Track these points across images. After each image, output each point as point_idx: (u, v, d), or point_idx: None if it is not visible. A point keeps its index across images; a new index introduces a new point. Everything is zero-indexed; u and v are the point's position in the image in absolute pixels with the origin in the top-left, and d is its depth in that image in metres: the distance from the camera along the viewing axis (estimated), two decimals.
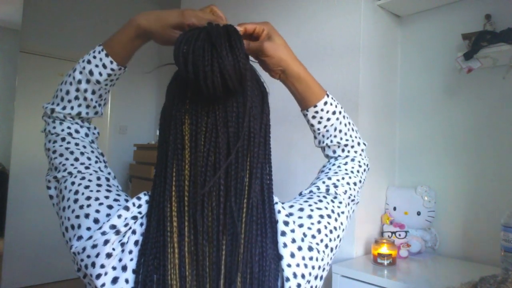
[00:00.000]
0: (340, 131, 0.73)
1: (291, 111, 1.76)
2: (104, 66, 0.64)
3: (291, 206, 0.62)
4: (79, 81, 0.64)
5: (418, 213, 1.62)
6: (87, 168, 0.62)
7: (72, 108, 0.66)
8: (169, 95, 0.59)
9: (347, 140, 0.74)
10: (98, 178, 0.62)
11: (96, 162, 0.65)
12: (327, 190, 0.66)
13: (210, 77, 0.50)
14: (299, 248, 0.55)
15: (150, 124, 3.94)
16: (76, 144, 0.65)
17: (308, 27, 1.81)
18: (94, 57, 0.64)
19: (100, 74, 0.64)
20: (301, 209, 0.61)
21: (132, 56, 0.67)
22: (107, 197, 0.59)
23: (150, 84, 3.89)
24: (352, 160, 0.74)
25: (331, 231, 0.60)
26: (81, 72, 0.64)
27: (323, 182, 0.68)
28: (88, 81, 0.65)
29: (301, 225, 0.59)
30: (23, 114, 3.21)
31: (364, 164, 0.76)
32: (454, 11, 1.64)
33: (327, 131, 0.73)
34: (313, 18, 1.79)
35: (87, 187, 0.59)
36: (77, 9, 3.42)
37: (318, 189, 0.67)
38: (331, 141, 0.74)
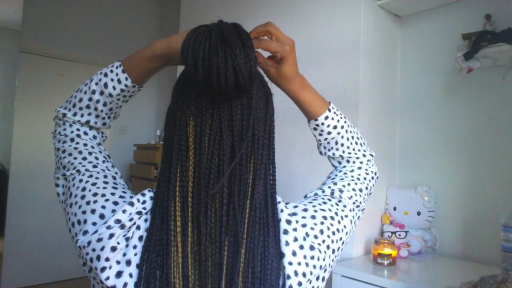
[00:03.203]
0: (342, 144, 0.74)
1: (291, 112, 1.75)
2: (119, 81, 0.66)
3: (295, 207, 0.63)
4: (93, 92, 0.66)
5: (418, 213, 1.62)
6: (94, 166, 0.64)
7: (82, 115, 0.68)
8: (175, 96, 0.59)
9: (349, 153, 0.75)
10: (105, 176, 0.63)
11: (103, 161, 0.66)
12: (332, 193, 0.67)
13: (224, 74, 0.50)
14: (301, 247, 0.56)
15: (150, 124, 3.94)
16: (85, 145, 0.67)
17: (308, 27, 1.81)
18: (111, 71, 0.66)
19: (114, 88, 0.66)
20: (305, 210, 0.62)
21: (148, 77, 0.68)
22: (113, 194, 0.60)
23: (150, 84, 3.89)
24: (359, 168, 0.75)
25: (333, 233, 0.61)
26: (97, 84, 0.66)
27: (329, 187, 0.69)
28: (101, 93, 0.66)
29: (304, 225, 0.59)
30: (23, 114, 3.21)
31: (372, 172, 0.76)
32: (454, 11, 1.64)
33: (328, 143, 0.75)
34: (313, 18, 1.79)
35: (94, 184, 0.61)
36: (77, 9, 3.42)
37: (323, 192, 0.68)
38: (333, 154, 0.76)
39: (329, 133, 0.73)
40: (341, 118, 0.73)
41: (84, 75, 3.51)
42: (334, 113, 0.72)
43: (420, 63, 1.75)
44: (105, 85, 0.66)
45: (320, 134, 0.74)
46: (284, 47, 0.60)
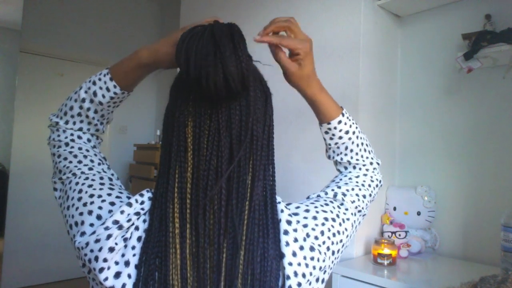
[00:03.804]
0: (352, 150, 0.74)
1: (292, 111, 1.75)
2: (108, 89, 0.66)
3: (297, 207, 0.63)
4: (83, 100, 0.67)
5: (418, 213, 1.62)
6: (90, 169, 0.64)
7: (74, 123, 0.68)
8: (172, 96, 0.59)
9: (357, 160, 0.75)
10: (101, 178, 0.63)
11: (99, 164, 0.66)
12: (335, 196, 0.67)
13: (213, 78, 0.49)
14: (301, 248, 0.55)
15: (150, 124, 3.93)
16: (79, 148, 0.67)
17: (308, 27, 1.81)
18: (100, 79, 0.66)
19: (103, 96, 0.66)
20: (307, 210, 0.62)
21: (137, 83, 0.68)
22: (109, 195, 0.60)
23: (150, 84, 3.89)
24: (365, 174, 0.75)
25: (334, 235, 0.61)
26: (86, 92, 0.66)
27: (332, 190, 0.69)
28: (91, 101, 0.67)
29: (305, 226, 0.59)
30: (23, 114, 3.21)
31: (377, 179, 0.77)
32: (454, 11, 1.64)
33: (338, 148, 0.75)
34: (313, 18, 1.79)
35: (90, 186, 0.61)
36: (77, 9, 3.42)
37: (326, 194, 0.68)
38: (341, 159, 0.75)
39: (340, 137, 0.72)
40: (353, 123, 0.73)
41: (84, 75, 3.50)
42: (347, 118, 0.72)
43: (420, 63, 1.75)
44: (94, 94, 0.66)
45: (331, 138, 0.73)
46: (305, 44, 0.59)
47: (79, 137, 0.69)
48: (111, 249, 0.52)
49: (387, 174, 1.76)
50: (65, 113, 0.68)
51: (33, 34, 3.21)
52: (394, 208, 1.68)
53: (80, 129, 0.69)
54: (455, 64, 1.51)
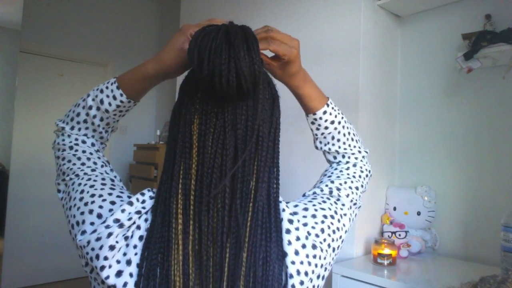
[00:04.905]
0: (338, 140, 0.75)
1: (291, 112, 1.75)
2: (114, 98, 0.67)
3: (295, 206, 0.63)
4: (90, 107, 0.68)
5: (418, 213, 1.62)
6: (93, 170, 0.65)
7: (79, 129, 0.70)
8: (180, 94, 0.60)
9: (345, 149, 0.76)
10: (103, 179, 0.64)
11: (102, 166, 0.68)
12: (330, 192, 0.68)
13: (226, 76, 0.50)
14: (303, 246, 0.56)
15: (150, 124, 3.93)
16: (83, 152, 0.68)
17: (308, 27, 1.81)
18: (107, 87, 0.67)
19: (110, 104, 0.67)
20: (306, 209, 0.62)
21: (144, 93, 0.69)
22: (110, 194, 0.61)
23: None
24: (354, 165, 0.76)
25: (334, 231, 0.61)
26: (93, 100, 0.68)
27: (326, 185, 0.69)
28: (98, 109, 0.68)
29: (305, 224, 0.59)
30: (23, 114, 3.21)
31: (366, 170, 0.77)
32: (454, 11, 1.64)
33: (325, 138, 0.76)
34: (313, 18, 1.79)
35: (92, 186, 0.62)
36: (77, 9, 3.42)
37: (322, 190, 0.68)
38: (329, 149, 0.77)
39: (326, 128, 0.73)
40: (338, 113, 0.74)
41: (84, 75, 3.51)
42: (332, 108, 0.73)
43: (420, 63, 1.75)
44: (101, 101, 0.67)
45: (318, 129, 0.74)
46: (292, 50, 0.59)
47: (83, 142, 0.70)
48: (112, 247, 0.52)
49: (387, 174, 1.76)
50: (71, 119, 0.70)
51: (33, 34, 3.21)
52: (394, 208, 1.68)
53: (85, 135, 0.70)
54: (455, 64, 1.51)
